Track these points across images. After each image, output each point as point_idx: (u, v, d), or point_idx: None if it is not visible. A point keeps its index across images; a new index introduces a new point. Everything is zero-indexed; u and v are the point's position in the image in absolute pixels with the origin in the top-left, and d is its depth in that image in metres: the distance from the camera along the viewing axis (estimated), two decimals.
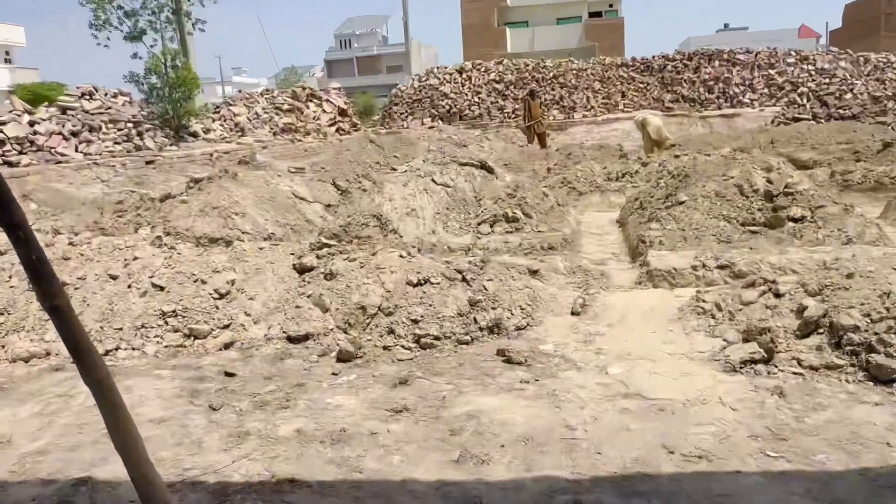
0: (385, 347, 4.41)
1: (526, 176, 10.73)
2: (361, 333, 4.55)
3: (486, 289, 4.82)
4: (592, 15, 43.24)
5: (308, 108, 22.55)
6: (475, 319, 4.57)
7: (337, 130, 22.77)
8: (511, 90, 24.20)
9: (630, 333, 4.43)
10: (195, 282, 5.05)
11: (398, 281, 4.80)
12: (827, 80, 21.18)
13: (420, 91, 25.06)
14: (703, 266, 5.52)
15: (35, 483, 2.98)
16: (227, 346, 4.60)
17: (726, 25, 57.28)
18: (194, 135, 18.31)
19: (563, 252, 6.84)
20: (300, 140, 20.53)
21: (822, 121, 18.40)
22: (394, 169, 10.57)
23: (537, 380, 3.79)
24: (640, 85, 23.43)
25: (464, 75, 25.35)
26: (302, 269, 5.23)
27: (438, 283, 4.79)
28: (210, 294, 4.95)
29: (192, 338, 4.69)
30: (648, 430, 3.12)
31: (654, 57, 24.43)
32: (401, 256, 5.05)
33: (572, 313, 4.87)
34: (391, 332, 4.52)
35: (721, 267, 5.46)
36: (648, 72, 23.88)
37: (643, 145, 14.28)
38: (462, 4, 42.40)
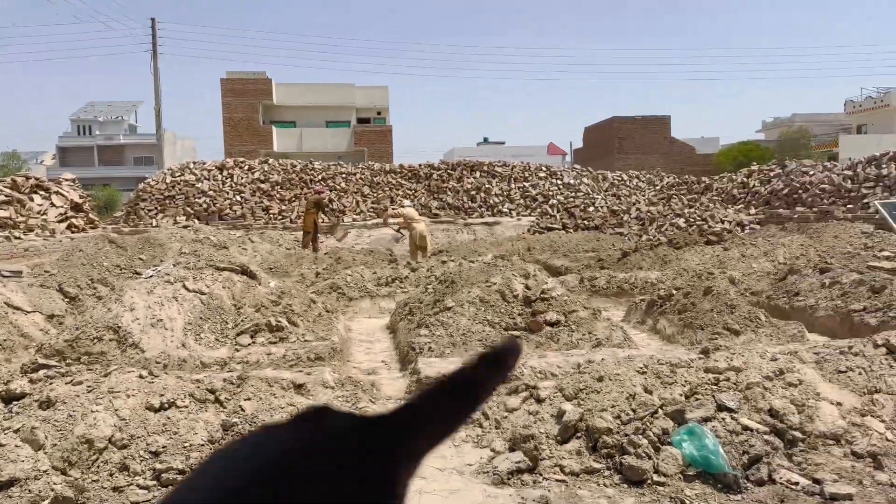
0: (116, 489, 3.88)
1: (293, 281, 10.59)
2: (85, 473, 3.97)
3: (243, 409, 4.54)
4: (361, 121, 45.51)
5: (32, 200, 20.29)
6: None
7: (69, 227, 20.67)
8: (277, 191, 24.18)
9: None
10: None
11: (135, 406, 4.32)
12: (573, 194, 24.42)
13: (173, 187, 23.91)
14: None
15: None
16: None
17: (486, 139, 63.75)
18: None
19: (331, 362, 6.74)
20: (19, 238, 18.24)
21: (571, 230, 21.01)
22: (138, 273, 9.79)
23: None
24: (409, 191, 24.88)
25: (224, 172, 24.81)
26: (9, 398, 4.48)
27: (186, 407, 4.40)
28: None
29: None
30: None
31: (420, 165, 26.29)
32: (140, 377, 4.58)
33: None
34: (124, 468, 4.00)
35: None
36: (416, 179, 25.54)
37: (409, 249, 14.98)
38: (223, 98, 41.86)
